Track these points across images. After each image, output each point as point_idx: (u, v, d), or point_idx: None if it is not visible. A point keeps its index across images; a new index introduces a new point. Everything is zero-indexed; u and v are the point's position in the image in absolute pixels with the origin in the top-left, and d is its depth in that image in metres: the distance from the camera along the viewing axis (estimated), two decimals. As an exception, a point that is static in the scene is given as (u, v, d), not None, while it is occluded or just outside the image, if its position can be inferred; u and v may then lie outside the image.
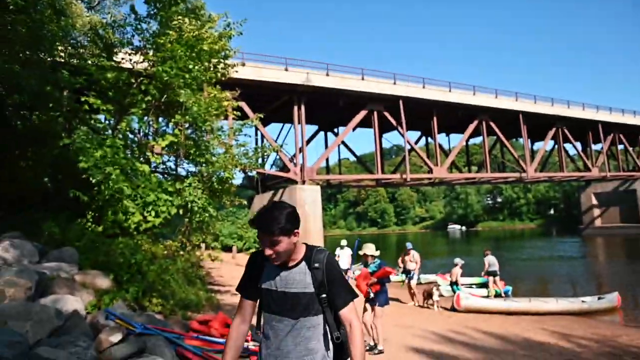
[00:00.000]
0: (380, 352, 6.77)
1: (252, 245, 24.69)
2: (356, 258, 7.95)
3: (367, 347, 6.84)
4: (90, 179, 7.43)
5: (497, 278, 13.33)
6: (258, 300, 2.18)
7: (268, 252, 2.01)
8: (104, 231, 7.70)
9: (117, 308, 4.80)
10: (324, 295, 2.07)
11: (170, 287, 7.27)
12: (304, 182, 27.46)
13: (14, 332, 3.40)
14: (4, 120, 8.79)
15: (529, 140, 43.73)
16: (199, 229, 9.63)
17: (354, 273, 7.32)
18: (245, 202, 14.22)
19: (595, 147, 49.87)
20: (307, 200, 26.56)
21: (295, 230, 2.05)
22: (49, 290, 4.81)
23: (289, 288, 2.08)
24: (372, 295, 6.76)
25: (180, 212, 8.54)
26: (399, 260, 12.70)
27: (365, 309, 7.02)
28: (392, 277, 16.67)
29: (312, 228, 26.19)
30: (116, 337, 3.95)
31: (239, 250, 24.84)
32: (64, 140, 7.88)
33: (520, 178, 40.41)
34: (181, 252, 9.67)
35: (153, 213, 7.92)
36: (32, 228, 7.35)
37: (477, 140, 44.17)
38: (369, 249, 7.06)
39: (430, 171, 34.43)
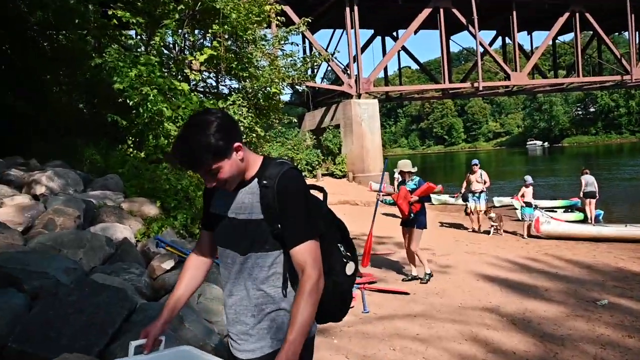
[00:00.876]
0: (429, 275, 6.93)
1: (304, 168, 25.18)
2: (384, 179, 8.02)
3: (409, 278, 7.03)
4: (127, 101, 7.69)
5: (594, 201, 12.88)
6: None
7: (211, 184, 1.72)
8: (147, 157, 8.08)
9: (166, 236, 5.16)
10: (278, 225, 1.69)
11: (220, 214, 7.64)
12: (359, 96, 27.04)
13: (69, 259, 3.76)
14: (32, 42, 9.11)
15: (637, 33, 39.87)
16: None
17: (382, 196, 7.38)
18: (295, 120, 14.30)
19: None
20: (364, 116, 26.31)
21: (235, 144, 1.67)
22: (97, 219, 5.21)
23: (238, 214, 1.76)
24: (412, 215, 6.85)
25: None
26: (464, 182, 12.48)
27: (406, 234, 7.09)
28: (451, 199, 16.72)
29: (370, 147, 26.14)
30: (168, 264, 4.28)
31: (290, 175, 25.35)
32: (95, 60, 8.09)
33: (622, 82, 37.48)
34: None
35: (196, 135, 8.16)
36: (73, 156, 7.85)
37: (568, 37, 41.04)
38: (406, 165, 7.14)
39: (508, 78, 32.69)
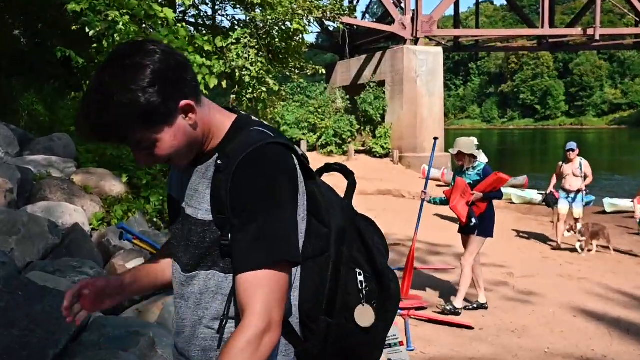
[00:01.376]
0: (482, 306, 6.97)
1: (330, 140, 25.14)
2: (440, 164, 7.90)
3: (474, 305, 7.04)
4: (86, 30, 7.73)
5: None
6: None
7: (145, 164, 1.61)
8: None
9: (134, 224, 5.20)
10: (230, 234, 1.51)
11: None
12: (416, 41, 26.83)
13: (-3, 250, 3.83)
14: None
15: None
16: (251, 111, 9.93)
17: (429, 195, 7.12)
18: (322, 71, 14.25)
19: None
20: (421, 71, 26.11)
21: (183, 103, 1.47)
22: (38, 195, 5.28)
23: (187, 204, 1.62)
24: (474, 221, 6.69)
25: (224, 84, 8.76)
26: (554, 175, 12.27)
27: (467, 247, 7.02)
28: (539, 197, 16.50)
29: (427, 115, 25.98)
30: (135, 264, 4.31)
31: (311, 148, 25.36)
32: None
33: None
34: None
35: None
36: (5, 104, 7.94)
37: None
38: (466, 145, 6.94)
39: None
